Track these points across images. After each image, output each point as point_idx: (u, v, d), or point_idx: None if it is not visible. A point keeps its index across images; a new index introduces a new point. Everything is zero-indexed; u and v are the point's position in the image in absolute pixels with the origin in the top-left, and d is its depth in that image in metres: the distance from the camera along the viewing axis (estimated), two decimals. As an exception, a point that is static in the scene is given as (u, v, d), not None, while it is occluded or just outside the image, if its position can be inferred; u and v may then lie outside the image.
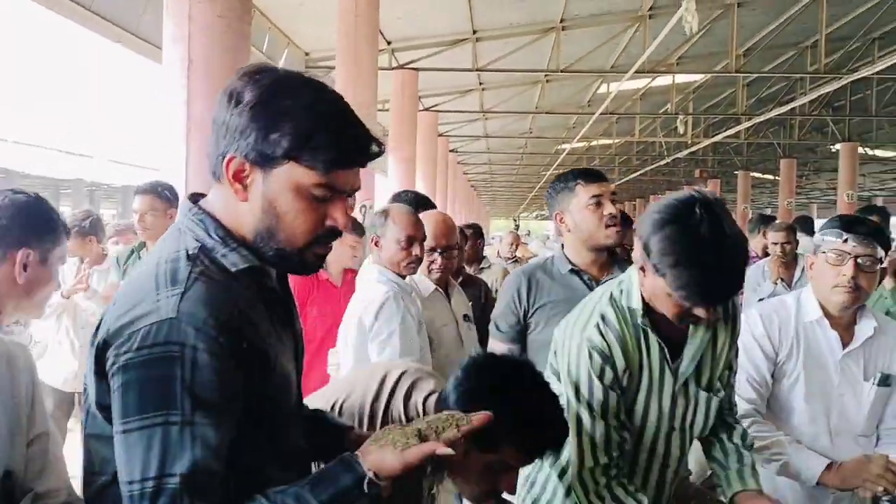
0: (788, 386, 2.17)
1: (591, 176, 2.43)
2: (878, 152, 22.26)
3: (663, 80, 15.03)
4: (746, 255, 1.61)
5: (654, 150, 23.04)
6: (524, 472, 1.85)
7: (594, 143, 22.84)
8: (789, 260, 4.33)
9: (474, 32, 11.46)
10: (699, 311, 1.58)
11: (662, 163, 22.44)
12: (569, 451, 1.70)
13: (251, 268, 1.15)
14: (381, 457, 1.11)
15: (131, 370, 1.02)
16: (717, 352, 1.79)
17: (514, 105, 16.73)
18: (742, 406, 2.10)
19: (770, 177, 28.13)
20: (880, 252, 2.08)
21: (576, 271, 2.44)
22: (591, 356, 1.68)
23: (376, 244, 2.70)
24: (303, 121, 1.10)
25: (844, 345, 2.15)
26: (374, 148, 1.17)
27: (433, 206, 3.45)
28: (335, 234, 1.18)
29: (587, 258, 2.44)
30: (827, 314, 2.16)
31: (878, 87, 15.50)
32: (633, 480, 1.79)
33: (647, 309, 1.70)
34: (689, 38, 10.73)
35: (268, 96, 1.11)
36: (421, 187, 13.89)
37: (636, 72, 10.77)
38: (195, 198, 1.21)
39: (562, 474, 1.80)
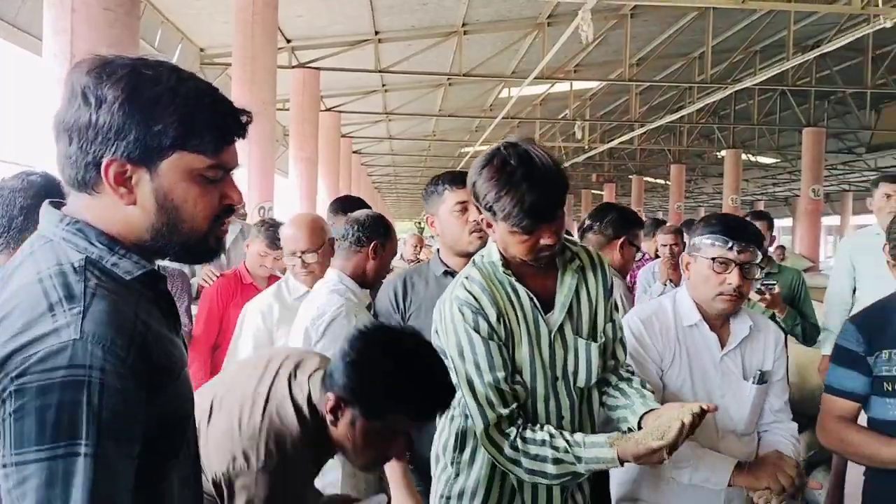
0: (675, 390, 2.12)
1: (460, 181, 2.38)
2: (760, 159, 23.63)
3: (562, 87, 15.43)
4: (561, 174, 1.70)
5: (555, 154, 23.60)
6: (443, 458, 1.89)
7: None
8: (678, 261, 4.51)
9: (377, 34, 11.42)
10: (543, 238, 1.69)
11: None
12: (470, 419, 1.75)
13: (145, 273, 1.09)
14: None
15: (29, 396, 0.91)
16: (591, 301, 1.87)
17: (417, 107, 16.78)
18: None
19: (662, 181, 29.36)
20: (759, 257, 2.11)
21: (450, 272, 2.43)
22: (462, 313, 1.75)
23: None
24: (181, 106, 1.05)
25: (722, 345, 2.15)
26: (245, 117, 1.13)
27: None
28: (231, 211, 1.16)
29: (458, 261, 2.44)
30: (704, 316, 2.15)
31: (760, 97, 16.49)
32: None
33: (508, 263, 1.80)
34: (585, 47, 11.06)
35: (135, 88, 1.03)
36: (323, 188, 13.72)
37: (535, 78, 11.01)
38: (57, 205, 1.11)
39: (464, 446, 1.85)
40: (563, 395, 1.81)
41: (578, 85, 15.63)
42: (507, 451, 1.71)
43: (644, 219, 5.62)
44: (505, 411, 1.71)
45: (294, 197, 11.37)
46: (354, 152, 21.53)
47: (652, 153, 23.80)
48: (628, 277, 4.80)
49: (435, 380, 1.54)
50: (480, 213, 1.79)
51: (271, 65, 8.09)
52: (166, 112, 1.04)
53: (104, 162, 1.03)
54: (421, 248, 7.62)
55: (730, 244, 2.05)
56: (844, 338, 2.19)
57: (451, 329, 1.77)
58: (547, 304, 1.82)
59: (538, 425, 1.73)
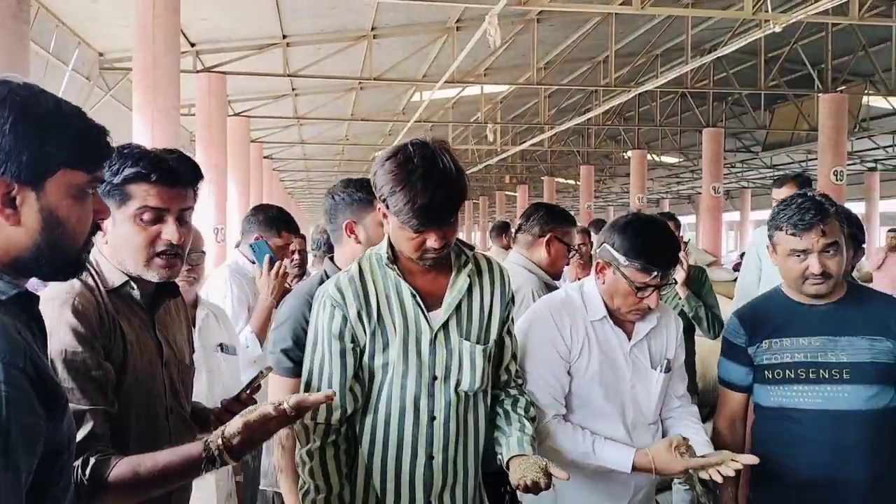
0: (585, 382, 2.14)
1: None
2: (664, 158, 24.53)
3: (473, 90, 15.62)
4: (460, 182, 1.72)
5: (467, 157, 23.85)
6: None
7: (410, 149, 23.20)
8: (586, 261, 4.65)
9: (284, 37, 11.26)
10: (430, 240, 1.70)
11: (475, 169, 23.27)
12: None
13: (19, 294, 1.08)
14: None
15: None
16: (483, 307, 1.87)
17: (328, 111, 16.63)
18: (539, 413, 2.06)
19: (572, 182, 30.06)
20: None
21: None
22: (323, 306, 1.80)
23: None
24: (67, 126, 1.10)
25: (629, 336, 2.18)
26: (108, 137, 1.19)
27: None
28: (98, 227, 1.20)
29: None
30: (610, 311, 2.16)
31: (662, 99, 17.12)
32: (397, 434, 1.80)
33: (396, 258, 1.81)
34: (494, 51, 11.22)
35: (23, 110, 1.05)
36: (233, 195, 13.42)
37: (446, 81, 11.10)
38: None
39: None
40: (439, 396, 1.80)
41: (489, 88, 15.85)
42: (304, 451, 1.79)
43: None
44: (321, 419, 1.77)
45: (204, 204, 11.06)
46: (265, 157, 21.13)
47: (562, 154, 24.34)
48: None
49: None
50: (384, 212, 1.77)
51: (174, 69, 7.86)
52: (55, 132, 1.08)
53: None
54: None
55: (654, 273, 2.04)
56: (728, 331, 2.33)
57: (313, 320, 1.84)
58: (433, 304, 1.82)
59: (340, 467, 1.79)
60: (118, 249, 1.56)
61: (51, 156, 1.07)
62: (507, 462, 1.80)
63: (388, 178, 1.69)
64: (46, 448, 1.02)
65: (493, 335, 1.88)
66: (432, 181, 1.65)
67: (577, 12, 10.72)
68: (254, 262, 3.19)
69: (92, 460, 1.34)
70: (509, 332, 1.96)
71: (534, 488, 1.68)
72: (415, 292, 1.80)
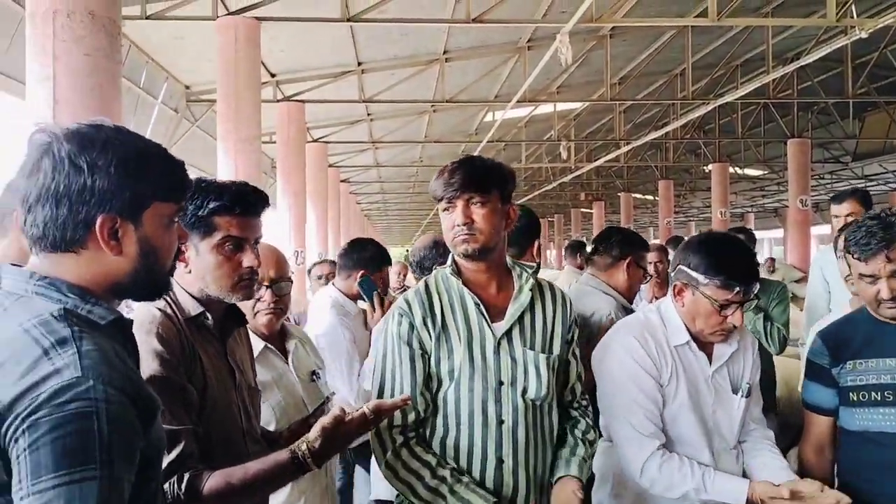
0: (674, 409, 2.09)
1: None
2: (747, 171, 23.80)
3: (546, 108, 15.57)
4: (487, 162, 1.94)
5: (541, 175, 23.77)
6: None
7: (484, 169, 23.26)
8: (663, 280, 4.53)
9: (359, 64, 11.52)
10: (456, 214, 1.86)
11: (549, 187, 23.17)
12: None
13: (116, 319, 1.18)
14: None
15: (43, 429, 0.98)
16: (546, 322, 1.96)
17: (403, 135, 16.89)
18: (644, 447, 2.03)
19: (650, 197, 29.52)
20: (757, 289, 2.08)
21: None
22: (393, 317, 1.94)
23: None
24: (156, 164, 1.22)
25: (709, 360, 2.13)
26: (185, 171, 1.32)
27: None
28: (180, 252, 1.36)
29: None
30: (692, 335, 2.12)
31: (743, 110, 16.65)
32: (468, 438, 1.86)
33: (460, 271, 1.95)
34: (566, 69, 11.17)
35: (122, 154, 1.16)
36: (312, 219, 13.74)
37: (518, 101, 11.11)
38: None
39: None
40: (506, 401, 1.87)
41: (562, 106, 15.77)
42: (390, 455, 1.85)
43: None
44: (399, 420, 1.84)
45: (283, 229, 11.38)
46: (342, 181, 21.59)
47: (639, 170, 23.94)
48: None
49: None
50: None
51: (255, 100, 8.16)
52: (147, 170, 1.20)
53: (98, 220, 1.14)
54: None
55: (737, 290, 2.00)
56: (812, 352, 2.24)
57: (384, 333, 1.96)
58: (497, 316, 1.92)
59: (430, 451, 1.86)
60: (202, 277, 1.64)
61: (145, 191, 1.19)
62: (556, 481, 1.91)
63: (438, 173, 1.93)
64: (143, 456, 1.10)
65: (556, 350, 1.96)
66: (463, 162, 1.91)
67: (651, 26, 10.58)
68: (355, 298, 3.38)
69: (186, 476, 1.43)
70: (574, 355, 2.04)
71: None
72: (478, 301, 1.90)
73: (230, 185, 1.69)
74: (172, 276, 1.32)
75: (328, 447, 1.47)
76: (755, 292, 2.05)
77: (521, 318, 1.92)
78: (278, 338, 2.38)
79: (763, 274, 4.07)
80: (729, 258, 2.04)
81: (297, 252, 11.13)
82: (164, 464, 1.34)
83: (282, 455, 1.45)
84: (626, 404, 2.07)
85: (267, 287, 2.20)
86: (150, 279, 1.24)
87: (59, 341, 1.05)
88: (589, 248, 3.32)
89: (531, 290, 1.95)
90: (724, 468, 2.07)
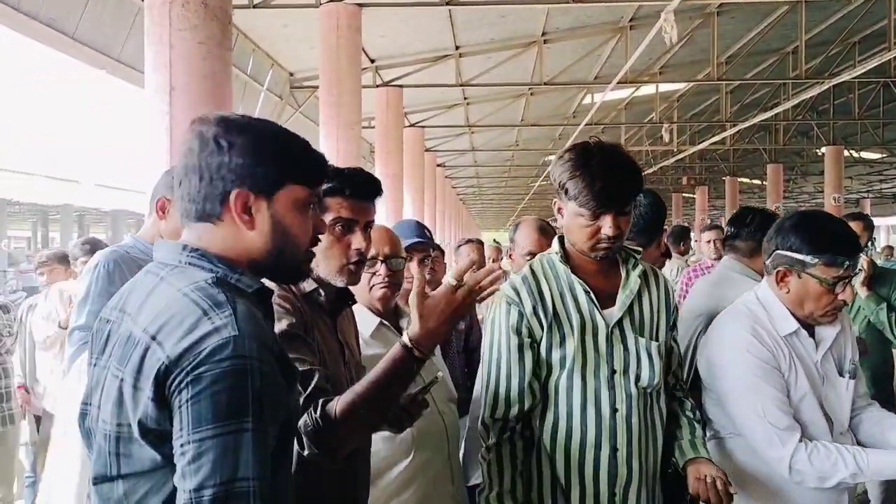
0: (797, 399, 2.00)
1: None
2: (864, 154, 22.46)
3: (647, 90, 15.15)
4: (637, 172, 1.85)
5: (641, 158, 23.16)
6: None
7: (581, 153, 22.95)
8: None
9: (457, 48, 11.53)
10: (604, 227, 1.78)
11: (650, 171, 22.55)
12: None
13: (261, 288, 1.27)
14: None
15: (205, 383, 1.08)
16: (653, 308, 1.94)
17: (499, 118, 16.82)
18: (786, 443, 1.93)
19: (758, 182, 28.33)
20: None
21: None
22: (500, 305, 1.90)
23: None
24: (291, 148, 1.29)
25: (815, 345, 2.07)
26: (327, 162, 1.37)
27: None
28: (318, 241, 1.36)
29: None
30: (800, 322, 2.05)
31: (860, 90, 15.69)
32: (581, 426, 1.84)
33: (569, 257, 1.92)
34: (670, 48, 10.83)
35: (258, 135, 1.26)
36: (409, 203, 13.93)
37: (619, 82, 10.86)
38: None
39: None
40: (620, 389, 1.85)
41: (664, 87, 15.31)
42: (485, 447, 1.88)
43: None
44: (500, 413, 1.85)
45: (381, 213, 11.57)
46: (439, 166, 21.75)
47: (746, 153, 22.99)
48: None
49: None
50: (560, 206, 1.90)
51: (356, 86, 8.31)
52: (281, 152, 1.28)
53: (233, 194, 1.23)
54: (496, 259, 7.46)
55: (847, 264, 1.93)
56: None
57: (489, 320, 1.92)
58: (605, 303, 1.89)
59: (517, 463, 1.85)
60: (314, 259, 1.67)
61: (278, 171, 1.26)
62: (684, 466, 1.88)
63: (567, 166, 1.81)
64: (285, 418, 1.19)
65: (663, 335, 1.94)
66: (611, 166, 1.78)
67: (762, 2, 10.09)
68: None
69: (320, 402, 1.50)
70: (675, 340, 2.03)
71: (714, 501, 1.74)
72: (588, 289, 1.87)
73: (344, 169, 1.74)
74: (309, 261, 1.36)
75: (426, 327, 1.46)
76: (859, 265, 1.98)
77: (630, 305, 1.90)
78: (393, 315, 2.41)
79: (880, 262, 3.85)
80: (832, 234, 1.97)
81: (395, 235, 11.30)
82: (301, 400, 1.43)
83: (393, 353, 1.48)
84: (757, 402, 1.97)
85: (382, 262, 2.23)
86: (285, 260, 1.30)
87: (216, 304, 1.15)
88: (725, 231, 3.06)
89: (640, 276, 1.92)
90: None
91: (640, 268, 1.94)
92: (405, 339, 1.48)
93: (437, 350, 2.75)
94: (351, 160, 8.09)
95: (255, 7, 8.22)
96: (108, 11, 7.76)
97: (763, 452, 1.98)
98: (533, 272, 1.93)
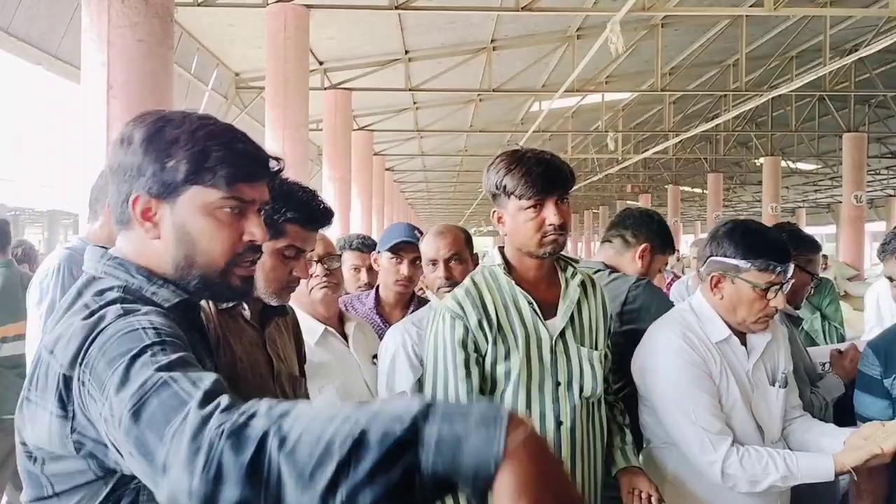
0: (728, 407, 2.00)
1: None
2: (800, 165, 23.20)
3: (593, 98, 15.37)
4: (568, 167, 1.88)
5: (587, 166, 23.52)
6: None
7: (529, 159, 23.17)
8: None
9: (406, 52, 11.51)
10: (549, 214, 1.79)
11: (595, 178, 22.91)
12: None
13: (181, 302, 1.15)
14: None
15: (93, 357, 0.96)
16: (591, 316, 1.96)
17: (448, 123, 16.85)
18: (718, 447, 1.92)
19: (699, 190, 29.01)
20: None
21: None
22: (443, 319, 1.86)
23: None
24: (194, 143, 1.11)
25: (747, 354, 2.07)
26: (273, 163, 1.21)
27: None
28: (256, 249, 1.19)
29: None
30: (733, 330, 2.05)
31: (797, 103, 16.19)
32: None
33: (511, 269, 1.91)
34: (616, 58, 11.00)
35: (156, 130, 1.12)
36: (357, 206, 13.83)
37: (566, 91, 10.98)
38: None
39: None
40: (564, 401, 1.85)
41: (610, 96, 15.55)
42: None
43: (680, 228, 5.47)
44: None
45: (329, 216, 11.47)
46: (387, 169, 21.67)
47: (688, 162, 23.52)
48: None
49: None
50: (500, 215, 1.90)
51: (304, 88, 8.22)
52: (181, 149, 1.11)
53: (131, 198, 1.13)
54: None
55: (778, 269, 1.94)
56: (863, 363, 2.19)
57: (431, 336, 1.89)
58: (547, 313, 1.89)
59: None
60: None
61: (173, 171, 1.11)
62: (616, 475, 1.94)
63: (502, 166, 1.84)
64: None
65: (601, 344, 1.97)
66: (543, 157, 1.84)
67: (704, 15, 10.34)
68: None
69: None
70: (609, 347, 2.04)
71: None
72: (531, 300, 1.86)
73: (308, 197, 1.73)
74: (246, 278, 1.20)
75: None
76: (790, 273, 1.98)
77: (571, 315, 1.91)
78: (338, 322, 2.40)
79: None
80: (765, 240, 2.00)
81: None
82: None
83: None
84: (688, 407, 1.96)
85: (317, 262, 2.24)
86: (196, 274, 1.15)
87: (107, 302, 1.06)
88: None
89: (579, 285, 1.93)
90: None
91: (578, 276, 1.95)
92: None
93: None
94: (297, 162, 7.99)
95: (199, 5, 8.06)
96: (45, 5, 7.50)
97: (695, 458, 1.97)
98: (475, 284, 1.90)
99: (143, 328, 0.98)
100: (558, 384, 1.85)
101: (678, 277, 5.13)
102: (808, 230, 5.55)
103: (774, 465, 1.90)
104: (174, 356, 0.95)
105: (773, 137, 18.64)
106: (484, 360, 1.83)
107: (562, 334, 1.88)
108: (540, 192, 1.79)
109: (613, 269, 2.52)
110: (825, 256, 13.06)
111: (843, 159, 16.27)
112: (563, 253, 1.95)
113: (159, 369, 0.91)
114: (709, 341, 2.02)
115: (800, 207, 34.68)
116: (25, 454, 1.10)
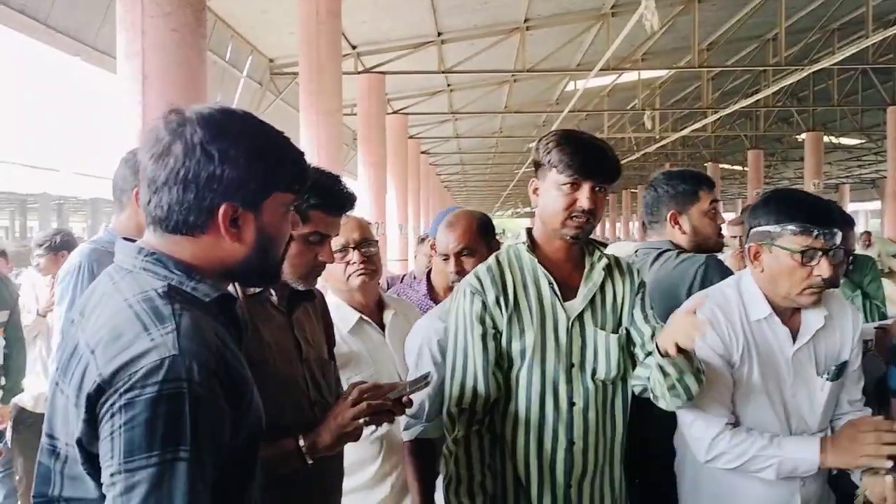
0: (745, 394, 1.95)
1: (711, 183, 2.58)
2: (843, 140, 22.63)
3: (630, 77, 15.16)
4: (614, 156, 1.87)
5: (624, 145, 23.21)
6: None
7: (564, 140, 22.98)
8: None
9: (439, 35, 11.46)
10: (581, 197, 1.79)
11: (633, 157, 22.62)
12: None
13: (222, 296, 1.20)
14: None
15: (139, 408, 1.01)
16: (616, 301, 1.93)
17: (482, 105, 16.76)
18: (712, 425, 1.92)
19: (739, 167, 28.47)
20: (841, 237, 1.89)
21: None
22: (464, 294, 1.88)
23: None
24: (281, 157, 1.23)
25: (793, 338, 1.95)
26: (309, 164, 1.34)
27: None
28: (291, 238, 1.36)
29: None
30: (774, 308, 1.95)
31: (839, 76, 15.78)
32: (539, 420, 1.84)
33: (535, 247, 1.91)
34: (652, 35, 10.82)
35: (252, 145, 1.19)
36: (392, 190, 13.89)
37: (601, 69, 10.84)
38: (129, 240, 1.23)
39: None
40: (577, 382, 1.85)
41: (647, 74, 15.32)
42: (451, 438, 1.84)
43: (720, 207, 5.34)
44: (466, 405, 1.83)
45: (364, 200, 11.54)
46: (422, 153, 21.67)
47: (727, 139, 23.10)
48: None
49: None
50: (536, 187, 1.91)
51: (337, 72, 8.23)
52: (273, 162, 1.21)
53: (222, 208, 1.16)
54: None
55: (815, 232, 1.82)
56: None
57: (453, 310, 1.91)
58: (568, 295, 1.88)
59: (485, 459, 1.84)
60: None
61: (270, 184, 1.21)
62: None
63: (553, 140, 1.84)
64: (241, 436, 1.13)
65: (625, 323, 1.92)
66: (594, 143, 1.84)
67: (742, -11, 10.10)
68: None
69: None
70: (645, 316, 1.94)
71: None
72: (552, 280, 1.86)
73: (331, 183, 1.76)
74: (283, 262, 1.34)
75: (326, 438, 1.56)
76: (838, 241, 1.86)
77: (592, 298, 1.89)
78: (376, 310, 2.38)
79: (858, 249, 3.88)
80: (801, 202, 1.89)
81: (377, 224, 11.28)
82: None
83: (286, 444, 1.54)
84: (706, 388, 1.89)
85: (353, 249, 2.23)
86: (262, 266, 1.25)
87: (158, 317, 1.08)
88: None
89: (604, 269, 1.92)
90: None
91: (604, 260, 1.94)
92: (301, 441, 1.55)
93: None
94: (332, 147, 8.04)
95: (232, -7, 8.12)
96: (82, -3, 7.64)
97: (689, 434, 1.96)
98: (498, 262, 1.91)
99: (189, 398, 1.03)
100: (572, 365, 1.85)
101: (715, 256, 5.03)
102: (852, 206, 5.42)
103: (761, 437, 1.88)
104: (203, 485, 1.04)
105: (815, 112, 18.21)
106: (501, 336, 1.85)
107: (580, 316, 1.87)
108: (580, 172, 1.78)
109: (679, 248, 2.48)
110: (868, 233, 12.75)
111: (888, 133, 15.81)
112: (592, 237, 1.93)
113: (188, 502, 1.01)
114: (741, 322, 1.95)
115: (843, 183, 33.83)
116: (49, 448, 1.13)
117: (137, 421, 1.00)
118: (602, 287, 1.91)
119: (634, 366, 1.94)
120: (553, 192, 1.83)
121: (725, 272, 2.30)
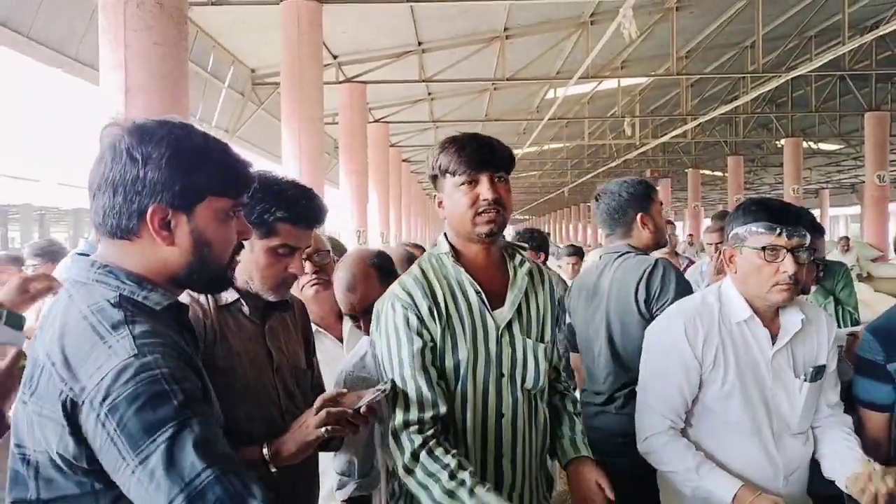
0: (723, 395, 2.01)
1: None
2: (822, 146, 22.90)
3: (609, 84, 15.28)
4: (504, 145, 1.84)
5: (605, 152, 23.40)
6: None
7: (545, 147, 23.10)
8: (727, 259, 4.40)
9: (420, 44, 11.53)
10: (482, 189, 1.76)
11: (613, 164, 22.77)
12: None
13: (172, 304, 1.25)
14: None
15: (122, 408, 1.06)
16: (539, 306, 1.91)
17: (463, 113, 16.85)
18: (655, 422, 2.06)
19: (719, 173, 28.73)
20: (808, 239, 1.99)
21: None
22: (394, 308, 1.78)
23: None
24: (213, 159, 1.26)
25: (774, 339, 2.03)
26: (250, 168, 1.36)
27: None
28: (241, 246, 1.36)
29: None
30: (755, 311, 2.02)
31: (817, 83, 16.00)
32: (465, 434, 1.77)
33: (458, 255, 1.85)
34: (631, 43, 10.94)
35: (176, 148, 1.21)
36: (374, 198, 13.91)
37: (581, 77, 10.94)
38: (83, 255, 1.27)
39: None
40: (506, 393, 1.80)
41: (626, 81, 15.46)
42: (407, 457, 1.68)
43: (701, 212, 5.40)
44: (414, 416, 1.70)
45: (346, 208, 11.56)
46: (404, 161, 21.71)
47: (707, 145, 23.30)
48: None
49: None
50: (441, 200, 1.85)
51: (318, 82, 8.27)
52: (201, 165, 1.24)
53: (150, 210, 1.20)
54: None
55: (777, 230, 1.93)
56: (863, 348, 2.14)
57: (384, 323, 1.79)
58: (494, 303, 1.83)
59: (451, 452, 1.68)
60: (249, 271, 1.71)
61: (197, 185, 1.23)
62: (566, 465, 1.93)
63: (438, 148, 1.83)
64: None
65: (548, 335, 1.92)
66: (479, 137, 1.81)
67: (719, -2, 10.24)
68: None
69: None
70: (557, 328, 2.01)
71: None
72: (479, 289, 1.80)
73: (299, 195, 1.74)
74: (233, 269, 1.35)
75: (290, 446, 1.57)
76: (806, 242, 1.96)
77: (518, 306, 1.85)
78: (336, 321, 2.39)
79: (836, 254, 3.95)
80: (766, 203, 2.01)
81: (360, 231, 11.29)
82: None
83: (253, 451, 1.56)
84: (654, 388, 2.10)
85: (305, 259, 2.20)
86: (206, 272, 1.28)
87: (112, 326, 1.13)
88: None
89: (526, 274, 1.89)
90: (786, 453, 2.01)
91: (526, 265, 1.91)
92: (265, 449, 1.56)
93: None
94: (314, 156, 8.06)
95: (213, 4, 8.14)
96: (64, 9, 7.62)
97: (638, 419, 2.13)
98: (423, 272, 1.84)
99: (164, 378, 1.09)
100: (502, 375, 1.80)
101: (693, 262, 5.10)
102: (832, 211, 5.49)
103: (692, 458, 1.99)
104: (212, 436, 1.11)
105: (794, 118, 18.43)
106: (436, 349, 1.76)
107: (508, 325, 1.82)
108: (472, 167, 1.76)
109: (636, 249, 2.70)
110: (846, 238, 12.91)
111: (866, 139, 16.07)
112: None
113: (205, 460, 1.07)
114: (718, 327, 2.03)
115: (823, 188, 34.22)
116: (20, 456, 1.16)
117: (127, 417, 1.06)
118: (526, 294, 1.88)
119: (558, 376, 2.07)
120: (455, 196, 1.79)
121: (667, 269, 2.55)
